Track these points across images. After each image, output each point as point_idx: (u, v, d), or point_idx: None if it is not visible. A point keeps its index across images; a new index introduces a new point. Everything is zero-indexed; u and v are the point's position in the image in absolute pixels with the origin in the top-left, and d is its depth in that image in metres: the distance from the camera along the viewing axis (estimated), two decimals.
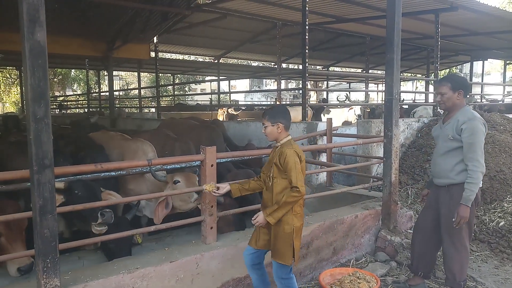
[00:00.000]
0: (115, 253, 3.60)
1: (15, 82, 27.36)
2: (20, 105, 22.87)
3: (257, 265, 3.18)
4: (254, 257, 3.16)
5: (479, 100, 16.36)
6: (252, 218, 3.01)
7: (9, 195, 3.68)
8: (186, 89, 34.06)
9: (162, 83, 23.61)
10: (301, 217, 3.03)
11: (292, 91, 35.69)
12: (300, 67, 18.00)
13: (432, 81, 10.80)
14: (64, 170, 2.83)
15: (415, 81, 33.31)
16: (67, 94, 29.72)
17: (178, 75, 27.17)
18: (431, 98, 12.29)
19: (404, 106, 14.41)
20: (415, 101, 20.73)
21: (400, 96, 4.91)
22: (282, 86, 19.96)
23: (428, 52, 16.08)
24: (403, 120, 7.57)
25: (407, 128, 7.69)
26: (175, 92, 27.09)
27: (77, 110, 23.92)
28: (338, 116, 10.93)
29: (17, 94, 26.07)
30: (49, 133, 2.49)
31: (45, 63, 2.47)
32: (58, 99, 23.49)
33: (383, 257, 4.59)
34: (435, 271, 4.21)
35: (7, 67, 23.20)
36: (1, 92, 30.72)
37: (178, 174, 4.25)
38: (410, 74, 22.92)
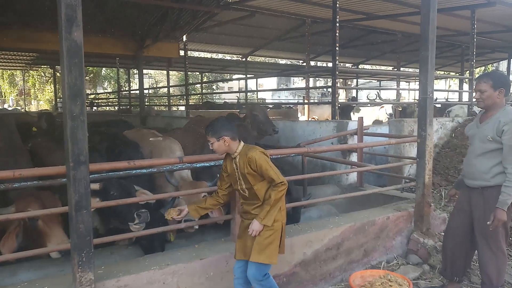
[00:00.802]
0: (150, 248, 3.64)
1: (49, 80, 28.27)
2: (53, 102, 23.63)
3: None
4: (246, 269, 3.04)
5: None
6: (248, 231, 2.92)
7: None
8: (214, 87, 34.30)
9: (191, 82, 23.85)
10: (285, 212, 3.03)
11: (320, 89, 35.36)
12: (329, 64, 17.81)
13: (467, 80, 10.45)
14: (99, 166, 2.89)
15: (448, 79, 32.42)
16: (98, 92, 30.46)
17: (206, 74, 27.39)
18: (465, 97, 11.92)
19: (437, 105, 14.02)
20: (448, 100, 20.17)
21: (434, 95, 4.77)
22: (310, 84, 19.76)
23: (463, 50, 15.59)
24: (436, 119, 7.36)
25: (440, 127, 7.47)
26: (203, 91, 27.33)
27: (107, 108, 24.50)
28: (368, 115, 10.75)
29: (51, 92, 26.92)
30: (84, 130, 2.54)
31: (81, 62, 2.53)
32: (89, 97, 24.11)
33: (416, 260, 4.48)
34: (470, 276, 4.07)
35: (42, 66, 23.94)
36: (36, 90, 31.82)
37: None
38: (443, 72, 22.27)
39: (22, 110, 23.05)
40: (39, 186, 3.51)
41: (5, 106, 30.43)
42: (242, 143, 2.99)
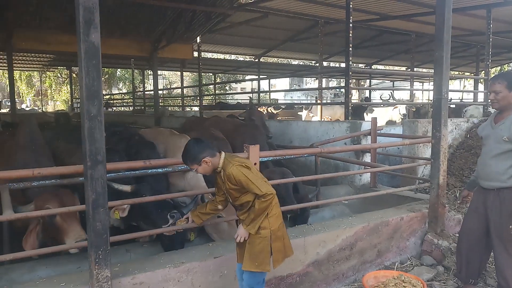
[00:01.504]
0: (171, 246, 3.66)
1: (65, 81, 28.72)
2: (69, 103, 23.99)
3: None
4: None
5: None
6: (234, 237, 2.89)
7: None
8: (227, 88, 34.43)
9: (204, 82, 23.98)
10: (278, 217, 2.88)
11: (333, 90, 35.22)
12: (342, 65, 17.74)
13: (482, 80, 10.32)
14: (115, 166, 2.94)
15: (462, 79, 31.99)
16: (113, 93, 30.82)
17: (219, 74, 27.51)
18: (480, 97, 11.77)
19: (451, 106, 13.87)
20: (463, 100, 19.91)
21: (448, 95, 4.74)
22: (323, 85, 19.72)
23: (478, 49, 15.38)
24: (451, 120, 7.29)
25: (455, 128, 7.40)
26: (216, 91, 27.45)
27: (122, 108, 24.78)
28: (382, 116, 10.67)
29: (67, 92, 27.35)
30: (102, 130, 2.59)
31: (99, 64, 2.58)
32: (104, 98, 24.41)
33: (430, 261, 4.45)
34: (486, 278, 4.03)
35: (58, 67, 24.33)
36: (52, 91, 32.34)
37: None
38: (458, 72, 21.99)
39: (39, 111, 23.44)
40: (58, 185, 3.59)
41: (23, 106, 30.97)
42: (222, 155, 2.87)
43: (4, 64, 15.79)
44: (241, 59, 20.31)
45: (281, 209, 2.98)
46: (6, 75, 22.14)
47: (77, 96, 24.04)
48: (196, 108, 21.37)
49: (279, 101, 28.13)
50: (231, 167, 2.77)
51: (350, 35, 7.32)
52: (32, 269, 3.40)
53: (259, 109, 15.59)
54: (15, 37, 11.45)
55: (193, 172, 3.09)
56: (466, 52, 16.47)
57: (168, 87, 33.46)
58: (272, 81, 25.36)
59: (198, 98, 16.18)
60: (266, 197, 2.73)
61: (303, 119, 13.25)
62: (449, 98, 5.55)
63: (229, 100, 24.76)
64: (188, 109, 22.15)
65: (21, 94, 33.11)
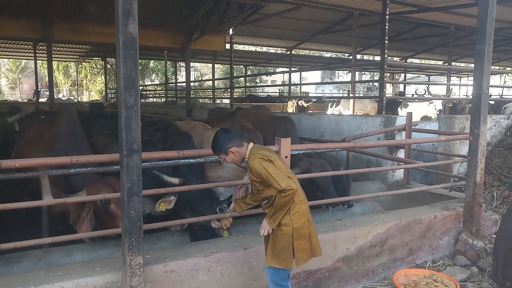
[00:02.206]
0: (200, 237, 3.72)
1: (100, 72, 29.47)
2: (104, 93, 24.63)
3: None
4: None
5: None
6: (259, 231, 2.89)
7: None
8: (257, 80, 34.42)
9: (235, 75, 24.05)
10: (303, 215, 2.83)
11: (366, 83, 34.57)
12: (376, 58, 17.39)
13: None
14: (150, 155, 3.00)
15: (503, 75, 30.71)
16: (146, 84, 31.40)
17: (250, 67, 27.53)
18: None
19: (491, 102, 13.34)
20: (503, 96, 19.14)
21: (489, 91, 4.56)
22: (356, 78, 19.37)
23: None
24: (490, 116, 7.01)
25: (494, 125, 7.11)
26: (247, 84, 27.48)
27: (154, 99, 25.22)
28: (417, 111, 10.38)
29: (102, 83, 28.07)
30: (138, 120, 2.63)
31: (136, 54, 2.62)
32: None
33: (464, 261, 4.33)
34: None
35: (94, 58, 24.98)
36: (88, 81, 33.28)
37: None
38: (498, 67, 21.12)
39: (75, 100, 24.19)
40: (97, 172, 3.69)
41: (60, 96, 32.05)
42: (250, 145, 2.89)
43: (44, 55, 16.35)
44: (273, 51, 20.23)
45: (322, 202, 2.91)
46: (45, 66, 22.99)
47: (111, 87, 24.67)
48: (227, 100, 21.50)
49: (310, 94, 27.89)
50: (253, 159, 2.78)
51: (386, 27, 7.14)
52: (69, 253, 3.53)
53: (289, 102, 15.58)
54: (54, 29, 11.84)
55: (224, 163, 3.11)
56: (508, 46, 15.78)
57: (200, 79, 33.77)
58: (303, 73, 25.15)
59: (229, 90, 16.24)
60: (285, 192, 2.69)
61: None
62: (489, 94, 5.37)
63: (259, 93, 24.75)
64: (218, 101, 22.29)
65: (58, 84, 34.29)
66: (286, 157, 3.54)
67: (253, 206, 3.16)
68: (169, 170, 4.07)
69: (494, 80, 31.77)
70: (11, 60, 33.67)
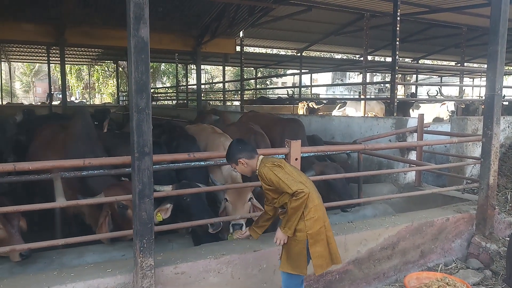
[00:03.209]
0: (203, 240, 3.72)
1: (112, 75, 29.78)
2: (115, 96, 24.87)
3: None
4: None
5: None
6: (274, 241, 2.88)
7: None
8: (268, 82, 34.39)
9: (245, 77, 24.09)
10: (317, 221, 2.79)
11: (377, 85, 34.36)
12: (388, 59, 17.28)
13: None
14: (161, 157, 3.03)
15: None
16: (157, 86, 31.63)
17: (261, 69, 27.56)
18: None
19: (504, 103, 13.14)
20: None
21: (502, 92, 4.51)
22: (367, 80, 19.24)
23: None
24: (504, 118, 6.92)
25: (508, 127, 7.00)
26: (257, 86, 27.48)
27: (165, 102, 25.38)
28: (428, 112, 10.28)
29: (113, 86, 28.34)
30: (149, 123, 2.66)
31: (148, 58, 2.65)
32: None
33: (476, 264, 4.27)
34: None
35: (106, 61, 25.25)
36: (100, 84, 33.63)
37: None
38: None
39: (87, 103, 24.45)
40: (109, 175, 3.74)
41: (72, 99, 32.45)
42: (260, 158, 2.95)
43: (57, 59, 16.57)
44: (283, 53, 20.22)
45: (335, 204, 2.90)
46: (58, 69, 23.30)
47: (123, 89, 24.90)
48: (237, 103, 21.53)
49: (320, 96, 27.81)
50: (263, 167, 2.86)
51: (398, 28, 7.10)
52: (81, 255, 3.57)
53: (300, 104, 15.53)
54: (67, 33, 12.00)
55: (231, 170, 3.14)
56: None
57: (210, 81, 33.88)
58: (314, 75, 25.08)
59: (240, 93, 16.28)
60: (297, 195, 2.70)
61: None
62: (503, 95, 5.31)
63: (270, 95, 24.73)
64: (229, 103, 22.33)
65: (71, 87, 34.72)
66: (296, 159, 3.54)
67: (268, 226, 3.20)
68: (173, 174, 4.10)
69: (508, 81, 31.31)
70: (25, 63, 34.23)
